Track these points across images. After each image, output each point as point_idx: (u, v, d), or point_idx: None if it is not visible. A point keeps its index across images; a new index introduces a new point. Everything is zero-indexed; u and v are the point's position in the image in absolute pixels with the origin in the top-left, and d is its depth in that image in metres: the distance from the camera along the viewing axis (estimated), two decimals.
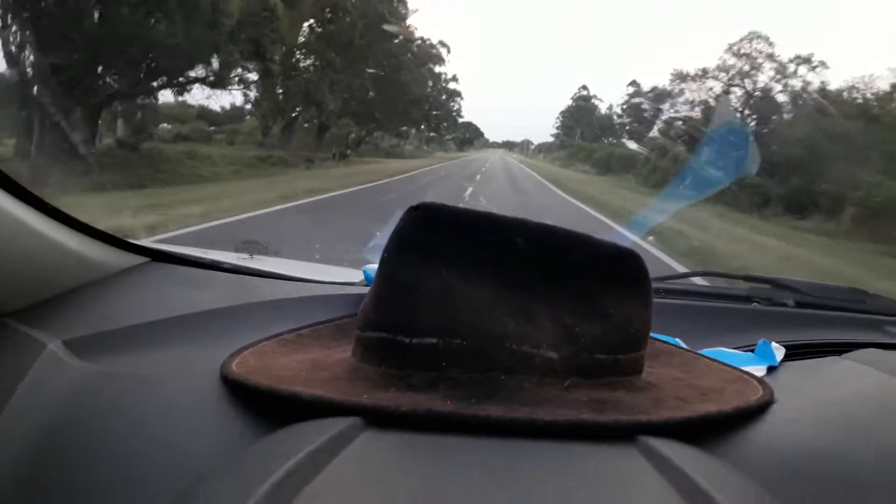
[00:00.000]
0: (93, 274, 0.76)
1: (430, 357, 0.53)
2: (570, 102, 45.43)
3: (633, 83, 39.17)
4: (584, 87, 45.23)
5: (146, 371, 0.59)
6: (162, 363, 0.62)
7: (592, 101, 44.72)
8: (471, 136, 58.76)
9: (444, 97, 30.64)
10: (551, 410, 0.49)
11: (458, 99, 32.72)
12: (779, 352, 0.77)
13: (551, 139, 49.37)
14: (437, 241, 0.56)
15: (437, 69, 28.09)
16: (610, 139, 38.18)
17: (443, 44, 27.64)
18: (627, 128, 38.78)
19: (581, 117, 43.38)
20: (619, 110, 40.21)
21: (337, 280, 0.91)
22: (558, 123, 46.95)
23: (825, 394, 0.63)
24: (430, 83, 28.17)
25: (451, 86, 31.41)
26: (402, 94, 23.11)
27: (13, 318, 0.67)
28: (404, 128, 30.70)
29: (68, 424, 0.53)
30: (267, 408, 0.51)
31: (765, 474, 0.46)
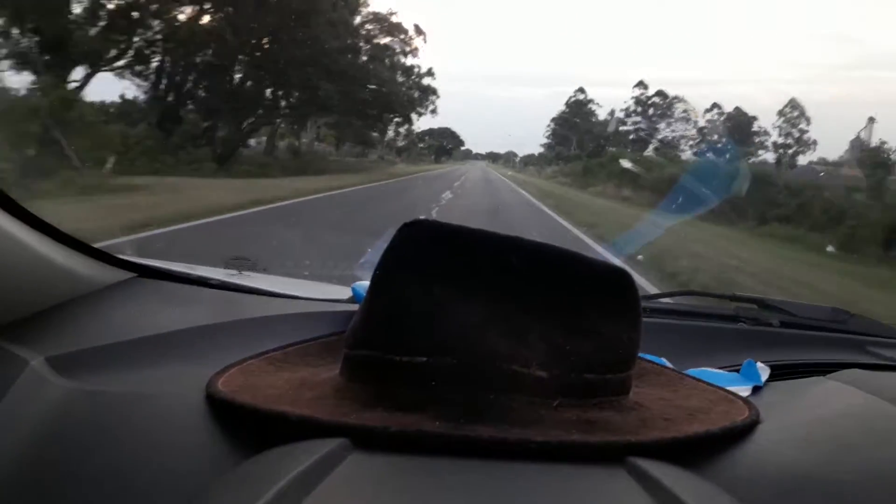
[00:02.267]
0: (78, 289, 0.75)
1: (420, 376, 0.52)
2: (562, 108, 40.66)
3: (641, 84, 36.24)
4: (581, 91, 40.54)
5: (131, 389, 0.59)
6: (147, 381, 0.61)
7: (590, 105, 40.07)
8: (448, 145, 52.55)
9: (416, 93, 26.29)
10: (542, 431, 0.49)
11: (433, 97, 27.75)
12: (764, 372, 0.78)
13: (541, 149, 44.64)
14: (430, 258, 0.55)
15: (409, 61, 24.35)
16: (611, 149, 34.04)
17: (418, 30, 23.81)
18: (632, 136, 35.80)
19: (577, 125, 38.95)
20: (621, 115, 36.88)
21: (325, 297, 0.90)
22: (549, 132, 42.17)
23: (810, 414, 0.64)
24: (396, 73, 23.92)
25: (426, 81, 27.04)
26: (332, 73, 18.62)
27: None
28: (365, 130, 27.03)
29: (50, 443, 0.53)
30: (254, 427, 0.51)
31: (752, 495, 0.46)
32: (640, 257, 6.85)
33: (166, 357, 0.66)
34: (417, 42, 24.19)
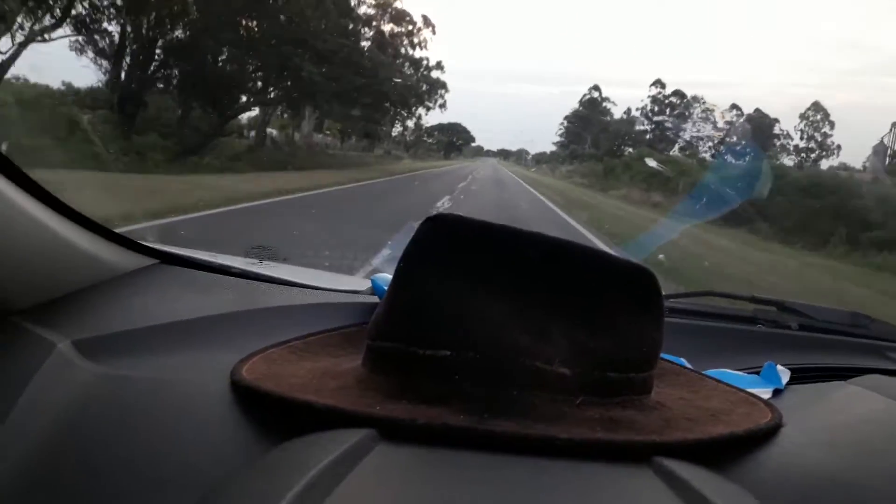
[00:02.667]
0: (102, 274, 0.76)
1: (443, 369, 0.52)
2: (576, 106, 39.93)
3: (658, 83, 35.37)
4: (596, 88, 39.52)
5: (156, 375, 0.59)
6: (171, 367, 0.62)
7: (605, 104, 39.15)
8: (458, 141, 50.27)
9: (424, 87, 25.10)
10: (565, 428, 0.49)
11: (442, 91, 26.59)
12: (784, 375, 0.77)
13: (554, 148, 43.75)
14: (454, 252, 0.56)
15: (418, 53, 23.03)
16: (629, 149, 33.17)
17: (427, 21, 22.44)
18: (649, 136, 34.58)
19: (591, 123, 38.01)
20: (637, 114, 35.98)
21: (344, 288, 0.91)
22: (562, 130, 41.49)
23: (833, 418, 0.63)
24: (398, 61, 22.38)
25: (435, 74, 25.99)
26: (339, 68, 16.88)
27: (22, 316, 0.66)
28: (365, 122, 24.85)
29: (77, 426, 0.53)
30: (278, 415, 0.51)
31: (776, 498, 0.46)
32: None
33: (189, 343, 0.67)
34: (426, 34, 22.88)
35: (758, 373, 0.79)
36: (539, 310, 0.55)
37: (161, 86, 16.56)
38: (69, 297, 0.71)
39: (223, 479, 0.43)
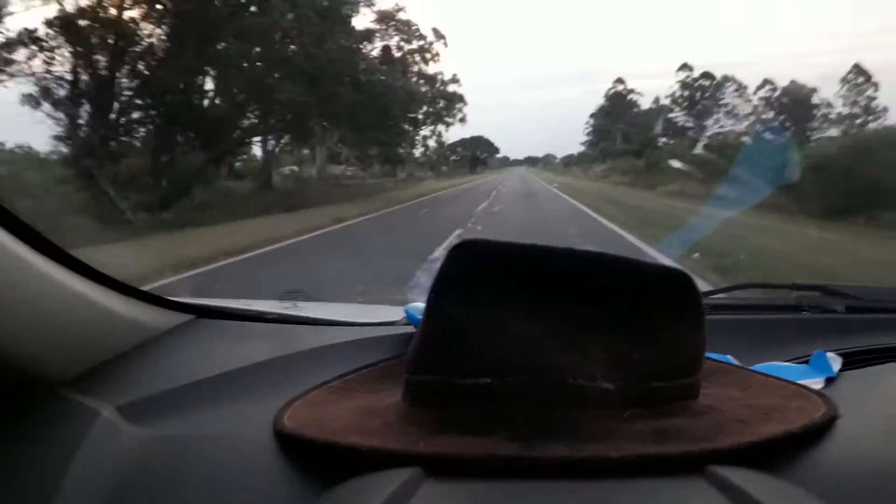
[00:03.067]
0: (140, 336, 0.77)
1: (485, 397, 0.52)
2: (602, 102, 38.65)
3: (685, 66, 33.61)
4: (620, 81, 38.38)
5: (199, 431, 0.60)
6: (215, 422, 0.62)
7: (631, 96, 37.78)
8: (483, 154, 49.14)
9: (440, 103, 24.01)
10: (615, 445, 0.48)
11: (461, 105, 25.19)
12: (835, 362, 0.75)
13: (582, 148, 42.31)
14: (484, 277, 0.55)
15: (430, 69, 21.98)
16: (663, 140, 31.90)
17: (438, 34, 21.66)
18: (680, 123, 32.87)
19: (619, 117, 36.47)
20: (667, 101, 34.38)
21: (379, 321, 0.91)
22: (588, 129, 39.85)
23: (890, 404, 0.61)
24: (421, 82, 21.51)
25: (452, 88, 24.70)
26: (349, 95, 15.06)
27: (65, 387, 0.68)
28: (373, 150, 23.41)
29: (126, 492, 0.53)
30: (324, 460, 0.51)
31: (838, 496, 0.44)
32: None
33: (231, 396, 0.67)
34: (438, 46, 21.82)
35: (807, 362, 0.77)
36: (575, 326, 0.54)
37: (133, 132, 14.32)
38: (111, 363, 0.72)
39: None
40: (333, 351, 0.79)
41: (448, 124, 26.46)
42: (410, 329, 0.84)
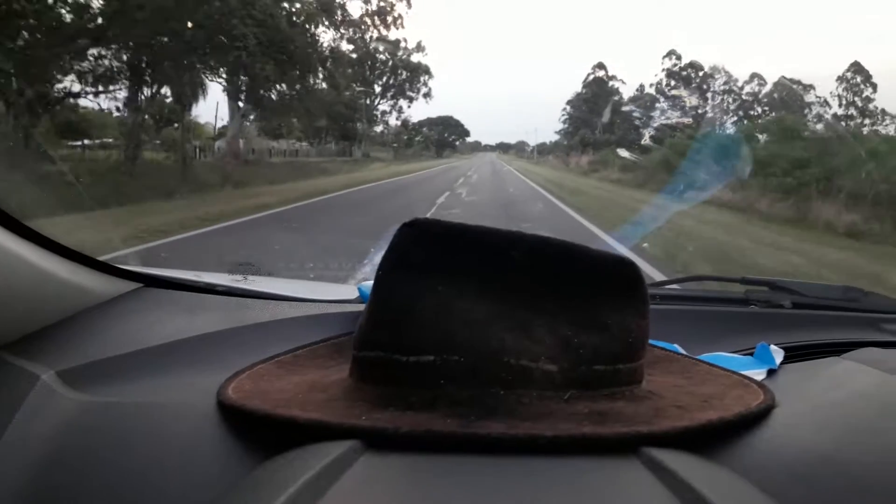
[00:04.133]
0: (85, 302, 0.75)
1: (427, 375, 0.52)
2: (579, 90, 35.17)
3: (672, 54, 30.62)
4: (601, 66, 34.44)
5: (141, 399, 0.59)
6: (157, 391, 0.61)
7: (612, 83, 34.51)
8: (451, 136, 43.89)
9: (401, 73, 21.51)
10: (552, 425, 0.48)
11: (425, 77, 22.48)
12: (778, 354, 0.77)
13: (556, 137, 38.54)
14: (433, 257, 0.55)
15: (392, 33, 19.03)
16: (648, 131, 29.24)
17: None
18: (666, 116, 30.28)
19: (599, 105, 33.30)
20: (652, 90, 31.42)
21: (332, 298, 0.90)
22: (565, 117, 36.14)
23: (826, 396, 0.63)
24: (380, 49, 18.38)
25: (417, 58, 21.87)
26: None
27: (5, 349, 0.66)
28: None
29: (64, 457, 0.53)
30: (265, 432, 0.50)
31: (769, 481, 0.45)
32: None
33: (176, 365, 0.66)
34: (400, 7, 18.86)
35: (752, 354, 0.79)
36: (522, 308, 0.55)
37: None
38: (53, 328, 0.70)
39: (207, 501, 0.42)
40: (284, 325, 0.78)
41: (411, 99, 23.58)
42: (363, 307, 0.83)
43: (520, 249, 0.56)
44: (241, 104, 17.18)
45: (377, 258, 0.57)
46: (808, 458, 0.48)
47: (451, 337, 0.52)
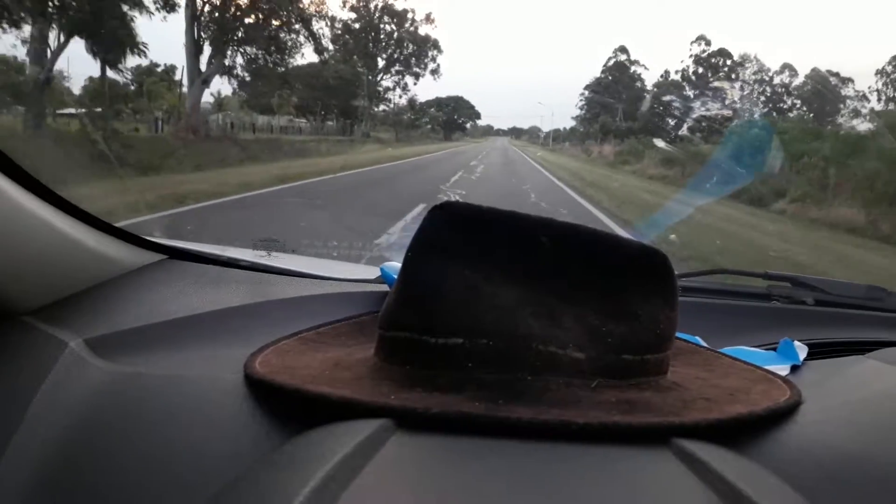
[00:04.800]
0: (110, 271, 0.76)
1: (456, 357, 0.52)
2: (599, 74, 32.21)
3: (702, 39, 28.36)
4: (623, 50, 31.68)
5: (168, 370, 0.59)
6: (183, 362, 0.62)
7: (634, 68, 31.74)
8: (461, 118, 39.75)
9: (407, 46, 18.99)
10: (581, 412, 0.48)
11: (434, 53, 20.02)
12: (802, 351, 0.76)
13: (573, 123, 35.45)
14: (462, 240, 0.55)
15: (399, 2, 16.37)
16: (686, 122, 26.37)
17: None
18: (706, 107, 27.26)
19: (619, 91, 30.78)
20: (678, 77, 29.26)
21: (354, 277, 0.90)
22: (582, 102, 33.29)
23: (852, 394, 0.62)
24: (385, 20, 15.69)
25: (424, 30, 19.45)
26: None
27: (33, 316, 0.66)
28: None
29: (91, 425, 0.53)
30: (292, 408, 0.51)
31: (798, 477, 0.45)
32: None
33: (201, 338, 0.67)
34: None
35: (774, 349, 0.79)
36: (551, 295, 0.55)
37: None
38: (79, 296, 0.71)
39: (238, 475, 0.43)
40: (307, 302, 0.78)
41: (417, 75, 20.86)
42: (385, 287, 0.83)
43: (549, 236, 0.56)
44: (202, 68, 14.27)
45: None
46: (836, 457, 0.48)
47: (479, 321, 0.52)
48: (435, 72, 21.68)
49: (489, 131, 49.99)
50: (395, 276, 0.59)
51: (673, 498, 0.41)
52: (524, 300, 0.54)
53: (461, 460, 0.44)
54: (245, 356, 0.59)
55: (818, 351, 0.80)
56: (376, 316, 0.62)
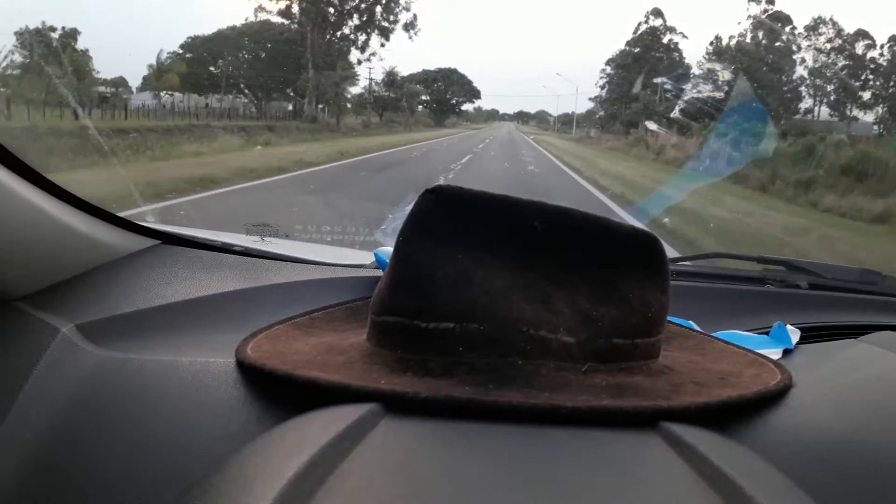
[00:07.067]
0: (103, 257, 0.75)
1: (446, 342, 0.52)
2: (624, 47, 26.04)
3: None
4: (657, 13, 25.24)
5: (160, 356, 0.59)
6: (175, 347, 0.62)
7: (669, 35, 25.21)
8: (454, 99, 30.51)
9: None
10: (571, 396, 0.48)
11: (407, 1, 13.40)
12: (794, 334, 0.77)
13: (591, 105, 29.41)
14: (454, 224, 0.55)
15: None
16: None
17: None
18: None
19: (653, 65, 24.38)
20: (733, 45, 22.65)
21: (348, 263, 0.90)
22: (603, 80, 27.23)
23: (843, 378, 0.63)
24: None
25: None
26: None
27: (25, 301, 0.66)
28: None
29: (83, 410, 0.53)
30: (283, 393, 0.51)
31: (787, 460, 0.45)
32: None
33: (193, 324, 0.67)
34: None
35: (767, 333, 0.79)
36: (542, 279, 0.55)
37: None
38: (72, 282, 0.71)
39: (226, 458, 0.43)
40: (300, 288, 0.78)
41: (386, 32, 14.26)
42: (379, 273, 0.83)
43: (541, 219, 0.55)
44: None
45: None
46: (826, 440, 0.48)
47: (470, 305, 0.52)
48: (411, 26, 15.26)
49: (494, 116, 44.63)
50: (388, 261, 0.59)
51: (658, 481, 0.41)
52: (515, 284, 0.54)
53: (450, 444, 0.44)
54: (238, 341, 0.59)
55: (811, 335, 0.80)
56: (369, 301, 0.62)
